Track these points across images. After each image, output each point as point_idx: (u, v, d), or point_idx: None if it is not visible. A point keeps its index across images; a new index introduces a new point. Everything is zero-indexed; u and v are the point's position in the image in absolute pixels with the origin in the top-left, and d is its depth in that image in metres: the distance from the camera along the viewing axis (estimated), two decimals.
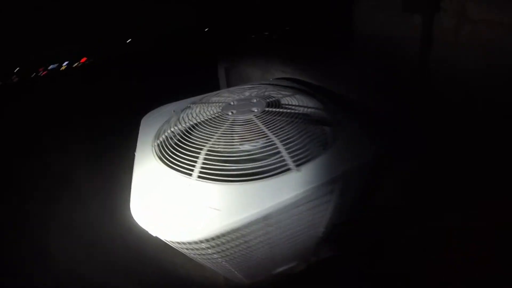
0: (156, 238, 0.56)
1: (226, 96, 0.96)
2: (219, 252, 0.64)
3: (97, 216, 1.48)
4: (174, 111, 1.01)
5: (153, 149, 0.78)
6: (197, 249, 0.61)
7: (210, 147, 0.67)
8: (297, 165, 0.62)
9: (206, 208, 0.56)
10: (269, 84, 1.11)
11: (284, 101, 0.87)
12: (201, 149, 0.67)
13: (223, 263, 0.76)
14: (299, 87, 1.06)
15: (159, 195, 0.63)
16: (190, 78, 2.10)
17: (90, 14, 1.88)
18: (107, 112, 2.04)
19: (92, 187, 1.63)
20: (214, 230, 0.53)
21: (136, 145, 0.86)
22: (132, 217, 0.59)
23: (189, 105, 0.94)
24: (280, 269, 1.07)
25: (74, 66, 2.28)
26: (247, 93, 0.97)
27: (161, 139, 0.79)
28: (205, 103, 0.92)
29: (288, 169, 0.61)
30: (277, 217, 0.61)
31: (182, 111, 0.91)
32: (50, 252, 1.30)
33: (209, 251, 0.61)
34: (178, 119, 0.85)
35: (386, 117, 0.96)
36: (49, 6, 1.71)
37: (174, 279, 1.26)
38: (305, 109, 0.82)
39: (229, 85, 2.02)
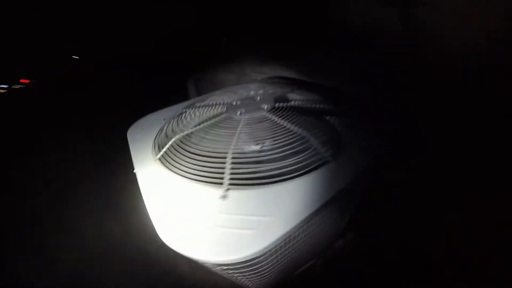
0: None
1: (223, 97, 0.89)
2: (263, 264, 0.57)
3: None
4: (164, 119, 0.89)
5: (162, 162, 0.67)
6: (241, 267, 0.53)
7: (233, 150, 0.60)
8: (333, 156, 0.59)
9: (251, 219, 0.49)
10: (262, 82, 1.07)
11: (290, 96, 0.85)
12: (225, 154, 0.59)
13: (256, 277, 0.69)
14: (294, 84, 1.05)
15: (189, 213, 0.53)
16: (158, 87, 1.95)
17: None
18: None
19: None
20: (273, 238, 0.46)
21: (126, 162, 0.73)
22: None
23: (184, 110, 0.84)
24: (301, 269, 1.02)
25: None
26: (244, 93, 0.92)
27: (166, 150, 0.68)
28: (203, 106, 0.84)
29: (327, 161, 0.58)
30: (321, 213, 0.57)
31: (177, 117, 0.81)
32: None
33: (256, 266, 0.54)
34: (179, 126, 0.75)
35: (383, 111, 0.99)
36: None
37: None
38: (314, 103, 0.81)
39: (200, 93, 1.91)
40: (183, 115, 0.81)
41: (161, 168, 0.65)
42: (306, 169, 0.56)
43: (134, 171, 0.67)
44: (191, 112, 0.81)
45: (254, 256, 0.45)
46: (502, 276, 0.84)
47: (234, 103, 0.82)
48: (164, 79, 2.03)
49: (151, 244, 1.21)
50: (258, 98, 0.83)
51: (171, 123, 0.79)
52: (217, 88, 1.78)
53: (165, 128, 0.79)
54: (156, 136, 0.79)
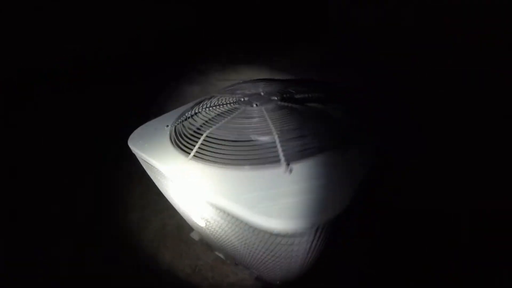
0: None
1: (226, 96, 0.90)
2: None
3: None
4: (167, 126, 0.84)
5: (198, 158, 0.63)
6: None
7: (275, 131, 0.63)
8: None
9: (324, 183, 0.53)
10: (249, 82, 1.12)
11: (288, 89, 0.93)
12: (269, 136, 0.62)
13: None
14: (276, 82, 1.14)
15: (265, 194, 0.52)
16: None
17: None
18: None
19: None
20: (347, 196, 0.51)
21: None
22: None
23: (192, 113, 0.82)
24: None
25: None
26: (245, 91, 0.95)
27: (199, 147, 0.65)
28: (212, 106, 0.83)
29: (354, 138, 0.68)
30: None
31: (188, 119, 0.78)
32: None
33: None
34: (198, 123, 0.72)
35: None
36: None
37: None
38: (311, 94, 0.91)
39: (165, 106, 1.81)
40: (194, 116, 0.79)
41: (200, 164, 0.61)
42: (342, 142, 0.64)
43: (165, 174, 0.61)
44: (203, 113, 0.80)
45: (341, 212, 0.49)
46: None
47: (242, 99, 0.85)
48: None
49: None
50: (262, 93, 0.88)
51: (185, 125, 0.76)
52: (182, 100, 1.73)
53: (181, 130, 0.75)
54: (173, 140, 0.73)
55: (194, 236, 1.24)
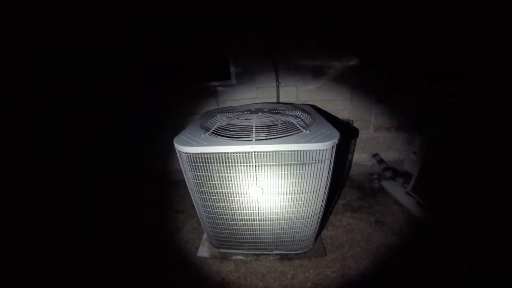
0: None
1: (236, 110, 1.50)
2: None
3: None
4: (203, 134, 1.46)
5: (214, 134, 1.21)
6: None
7: (255, 124, 1.18)
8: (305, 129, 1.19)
9: None
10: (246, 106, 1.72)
11: (271, 107, 1.48)
12: (251, 126, 1.17)
13: None
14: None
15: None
16: None
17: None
18: None
19: None
20: None
21: None
22: None
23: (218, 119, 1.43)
24: None
25: None
26: (245, 108, 1.54)
27: (214, 129, 1.23)
28: (229, 114, 1.43)
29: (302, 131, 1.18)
30: None
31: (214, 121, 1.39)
32: None
33: None
34: (219, 122, 1.32)
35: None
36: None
37: None
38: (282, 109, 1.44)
39: None
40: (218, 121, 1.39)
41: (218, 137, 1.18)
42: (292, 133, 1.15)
43: None
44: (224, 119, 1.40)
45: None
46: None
47: (246, 112, 1.43)
48: None
49: None
50: (255, 109, 1.46)
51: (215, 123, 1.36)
52: None
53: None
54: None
55: (203, 253, 1.54)
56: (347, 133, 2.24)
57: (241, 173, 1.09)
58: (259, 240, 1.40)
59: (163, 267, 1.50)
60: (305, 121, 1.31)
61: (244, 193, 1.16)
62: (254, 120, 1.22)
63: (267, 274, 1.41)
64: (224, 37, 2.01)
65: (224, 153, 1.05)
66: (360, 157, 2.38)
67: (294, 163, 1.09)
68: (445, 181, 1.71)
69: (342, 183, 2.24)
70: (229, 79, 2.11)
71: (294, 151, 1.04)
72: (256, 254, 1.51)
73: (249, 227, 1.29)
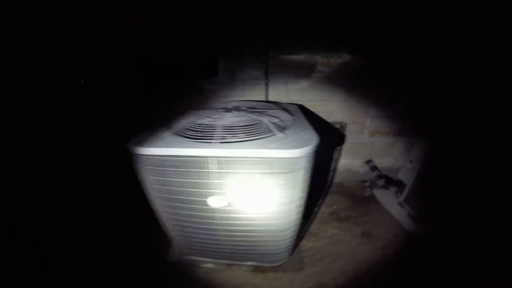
0: None
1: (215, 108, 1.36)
2: None
3: None
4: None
5: (179, 135, 1.08)
6: None
7: (223, 124, 1.04)
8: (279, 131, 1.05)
9: None
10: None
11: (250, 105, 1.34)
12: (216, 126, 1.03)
13: None
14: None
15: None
16: None
17: None
18: None
19: None
20: None
21: None
22: None
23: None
24: None
25: None
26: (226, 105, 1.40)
27: (182, 127, 1.10)
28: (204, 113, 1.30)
29: (275, 134, 1.04)
30: None
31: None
32: None
33: None
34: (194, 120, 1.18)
35: None
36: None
37: None
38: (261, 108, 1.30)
39: None
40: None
41: (176, 136, 1.05)
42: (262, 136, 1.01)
43: None
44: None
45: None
46: None
47: (220, 110, 1.29)
48: None
49: None
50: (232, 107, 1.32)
51: (179, 122, 1.22)
52: None
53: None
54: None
55: (173, 258, 1.42)
56: (337, 137, 2.10)
57: (202, 179, 0.95)
58: (229, 250, 1.27)
59: (128, 268, 1.39)
60: (284, 123, 1.17)
61: (206, 202, 1.02)
62: (224, 120, 1.08)
63: (238, 287, 1.29)
64: (212, 32, 1.84)
65: (179, 156, 0.91)
66: (353, 163, 2.23)
67: (263, 172, 0.95)
68: (441, 195, 1.57)
69: (331, 190, 2.10)
70: (216, 75, 1.95)
71: (260, 158, 0.90)
72: (228, 264, 1.39)
73: (214, 238, 1.17)
